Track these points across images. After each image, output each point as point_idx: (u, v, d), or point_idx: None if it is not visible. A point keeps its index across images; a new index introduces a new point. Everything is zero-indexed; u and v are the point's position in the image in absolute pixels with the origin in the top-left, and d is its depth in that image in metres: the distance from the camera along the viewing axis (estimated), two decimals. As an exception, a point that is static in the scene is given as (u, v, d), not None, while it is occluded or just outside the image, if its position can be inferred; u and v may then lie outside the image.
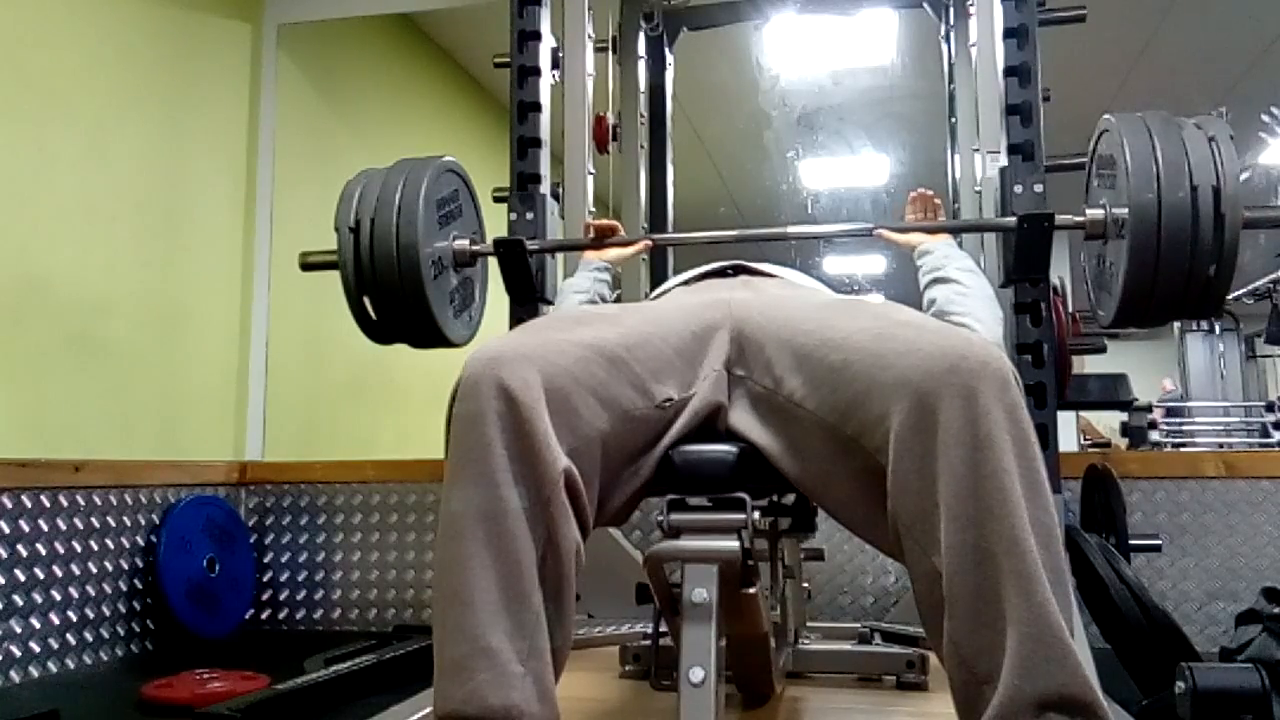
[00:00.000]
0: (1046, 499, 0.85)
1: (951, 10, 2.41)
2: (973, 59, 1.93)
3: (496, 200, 1.91)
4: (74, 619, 2.06)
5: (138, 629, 2.23)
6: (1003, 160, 1.72)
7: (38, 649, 1.97)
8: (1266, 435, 5.29)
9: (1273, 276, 5.00)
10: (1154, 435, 5.17)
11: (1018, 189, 1.65)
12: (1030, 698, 0.78)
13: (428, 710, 0.87)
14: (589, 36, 2.12)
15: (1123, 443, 5.43)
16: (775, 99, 4.40)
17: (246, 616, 2.51)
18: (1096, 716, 0.79)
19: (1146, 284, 1.37)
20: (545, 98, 1.95)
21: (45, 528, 2.00)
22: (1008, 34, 1.72)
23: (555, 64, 2.02)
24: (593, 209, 2.04)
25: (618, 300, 1.80)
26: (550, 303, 1.85)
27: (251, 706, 1.57)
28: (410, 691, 1.49)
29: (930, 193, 1.70)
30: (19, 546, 1.94)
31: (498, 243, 1.72)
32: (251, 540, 2.56)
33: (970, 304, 1.41)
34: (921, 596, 0.88)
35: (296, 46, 3.00)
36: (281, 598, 2.56)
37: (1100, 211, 1.46)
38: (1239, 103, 4.49)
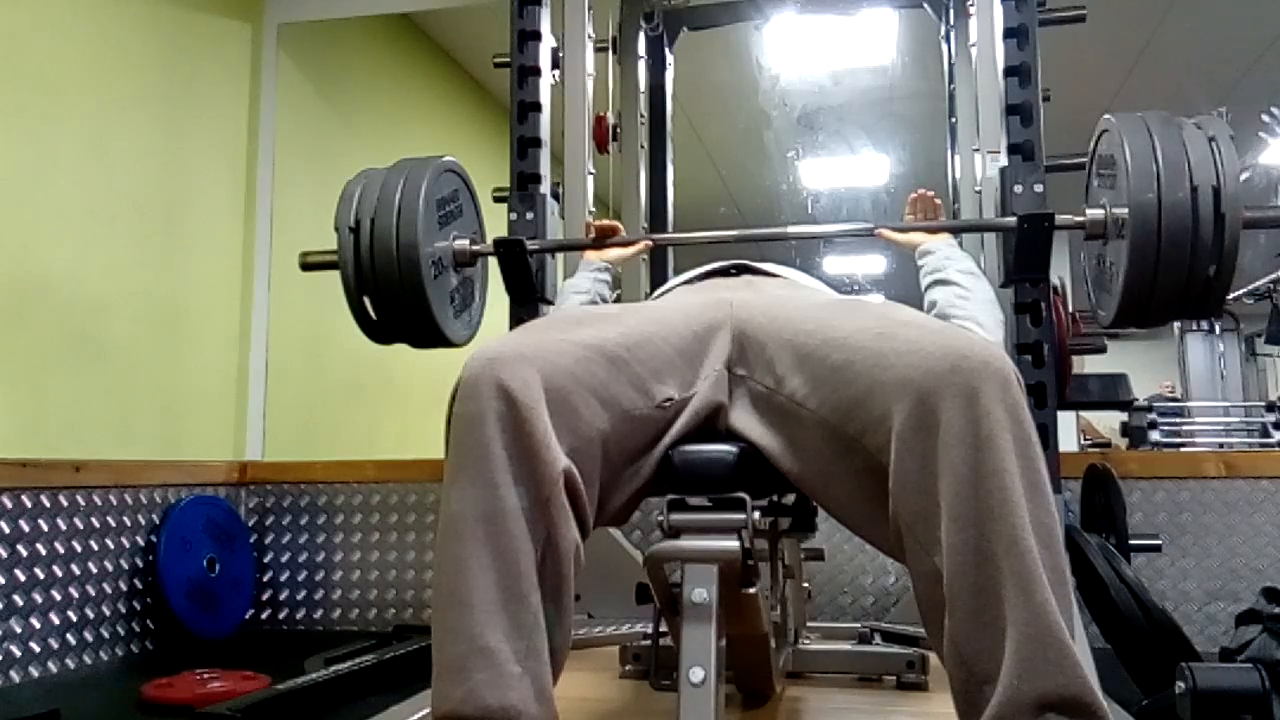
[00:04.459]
0: (1047, 499, 0.85)
1: (951, 10, 2.41)
2: (973, 59, 1.93)
3: (496, 200, 1.91)
4: (74, 619, 2.06)
5: (138, 629, 2.23)
6: (1003, 160, 1.72)
7: (38, 649, 1.97)
8: (1266, 435, 5.28)
9: (1273, 276, 5.00)
10: (1154, 435, 5.17)
11: (1018, 189, 1.65)
12: (1030, 698, 0.78)
13: (427, 710, 0.87)
14: (589, 36, 2.12)
15: (1123, 443, 5.43)
16: (775, 99, 4.40)
17: (246, 616, 2.51)
18: (1096, 717, 0.79)
19: (1146, 284, 1.37)
20: (545, 98, 1.95)
21: (45, 528, 2.00)
22: (1008, 34, 1.72)
23: (555, 64, 2.02)
24: (593, 209, 2.04)
25: (618, 300, 1.80)
26: (550, 303, 1.85)
27: (251, 706, 1.57)
28: (410, 691, 1.49)
29: (930, 193, 1.69)
30: (19, 546, 1.94)
31: (498, 243, 1.72)
32: (251, 540, 2.56)
33: (971, 308, 1.41)
34: (922, 596, 0.88)
35: (296, 46, 3.00)
36: (281, 598, 2.56)
37: (1100, 211, 1.46)
38: (1239, 103, 4.49)
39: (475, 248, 1.71)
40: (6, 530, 1.92)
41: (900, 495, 0.88)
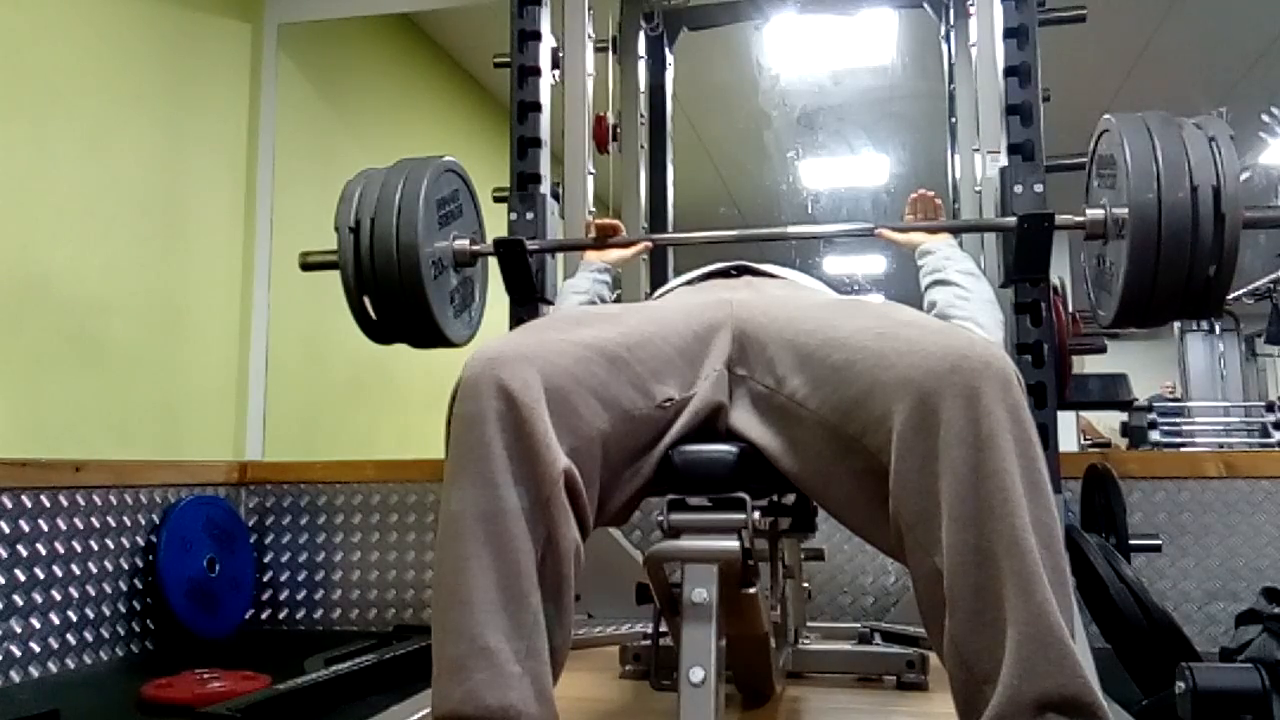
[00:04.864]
0: (1048, 499, 0.85)
1: (951, 10, 2.41)
2: (973, 59, 1.93)
3: (496, 200, 1.90)
4: (74, 619, 2.06)
5: (138, 629, 2.23)
6: (1003, 160, 1.72)
7: (38, 649, 1.97)
8: (1266, 435, 5.28)
9: (1273, 276, 5.01)
10: (1154, 435, 5.17)
11: (1018, 189, 1.65)
12: (1030, 698, 0.78)
13: (427, 710, 0.87)
14: (589, 36, 2.12)
15: (1123, 443, 5.43)
16: (775, 99, 4.41)
17: (246, 616, 2.51)
18: (1096, 717, 0.79)
19: (1146, 284, 1.37)
20: (545, 98, 1.95)
21: (45, 528, 2.00)
22: (1008, 34, 1.72)
23: (555, 64, 2.02)
24: (593, 209, 2.04)
25: (618, 300, 1.80)
26: (550, 303, 1.85)
27: (251, 706, 1.57)
28: (410, 691, 1.49)
29: (931, 193, 1.69)
30: (19, 546, 1.94)
31: (498, 243, 1.72)
32: (251, 540, 2.56)
33: (971, 308, 1.41)
34: (923, 596, 0.88)
35: (296, 46, 3.00)
36: (281, 598, 2.56)
37: (1100, 211, 1.46)
38: (1239, 103, 4.49)
39: (475, 248, 1.71)
40: (6, 530, 1.92)
41: (901, 495, 0.88)
